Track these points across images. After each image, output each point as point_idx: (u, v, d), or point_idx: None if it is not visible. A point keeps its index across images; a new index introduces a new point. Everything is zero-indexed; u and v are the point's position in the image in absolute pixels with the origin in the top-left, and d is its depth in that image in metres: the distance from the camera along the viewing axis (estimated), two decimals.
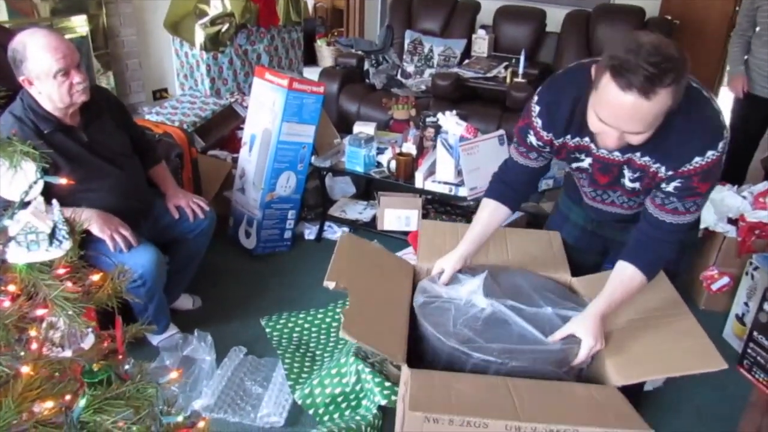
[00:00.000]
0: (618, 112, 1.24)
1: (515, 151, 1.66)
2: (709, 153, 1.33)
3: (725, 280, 2.48)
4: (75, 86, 1.88)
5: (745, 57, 3.13)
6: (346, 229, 3.13)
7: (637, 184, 1.49)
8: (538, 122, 1.52)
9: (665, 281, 1.66)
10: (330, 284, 1.57)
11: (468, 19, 4.51)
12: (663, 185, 1.40)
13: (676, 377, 2.16)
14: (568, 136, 1.51)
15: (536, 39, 4.36)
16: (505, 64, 4.19)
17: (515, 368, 1.44)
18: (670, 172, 1.38)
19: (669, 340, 1.50)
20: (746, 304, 2.35)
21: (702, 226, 2.47)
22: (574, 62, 1.53)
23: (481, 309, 1.60)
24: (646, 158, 1.41)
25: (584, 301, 1.64)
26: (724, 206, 2.52)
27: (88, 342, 0.97)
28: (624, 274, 1.47)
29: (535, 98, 1.53)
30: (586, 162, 1.55)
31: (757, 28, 3.05)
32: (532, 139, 1.56)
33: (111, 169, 2.06)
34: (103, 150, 2.06)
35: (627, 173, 1.48)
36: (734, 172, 3.23)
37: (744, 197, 2.54)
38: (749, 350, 2.22)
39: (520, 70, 3.99)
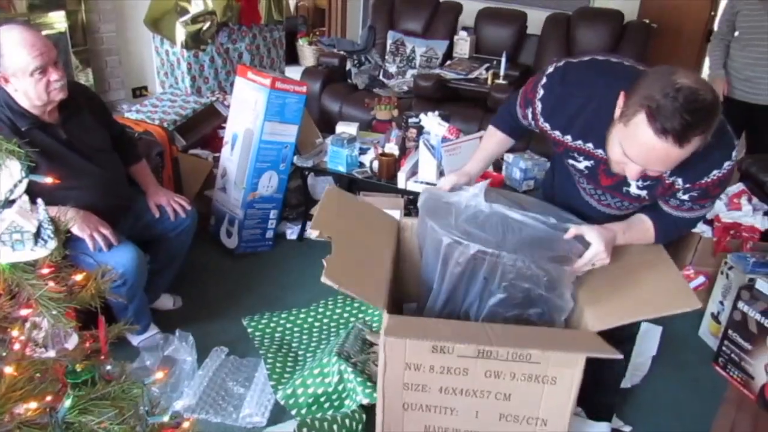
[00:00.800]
0: (648, 154, 1.23)
1: (517, 105, 1.62)
2: (726, 164, 1.33)
3: (701, 279, 2.53)
4: (52, 84, 1.85)
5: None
6: None
7: (644, 192, 1.46)
8: (539, 106, 1.49)
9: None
10: (314, 233, 1.56)
11: (450, 20, 4.53)
12: (679, 194, 1.40)
13: (654, 374, 2.21)
14: (568, 137, 1.46)
15: (517, 41, 4.40)
16: (487, 65, 4.23)
17: (514, 264, 1.42)
18: (687, 185, 1.37)
19: (644, 284, 1.48)
20: (721, 302, 2.40)
21: None
22: (592, 55, 1.47)
23: (481, 210, 1.55)
24: (663, 171, 1.37)
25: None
26: None
27: (72, 342, 0.96)
28: (643, 220, 1.50)
29: (544, 80, 1.47)
30: (583, 164, 1.50)
31: (736, 33, 3.11)
32: (529, 113, 1.56)
33: (90, 167, 2.04)
34: (83, 147, 2.03)
35: (635, 181, 1.44)
36: None
37: (719, 198, 2.59)
38: (724, 348, 2.26)
39: (502, 72, 4.02)
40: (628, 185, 1.46)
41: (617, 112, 1.27)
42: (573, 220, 1.55)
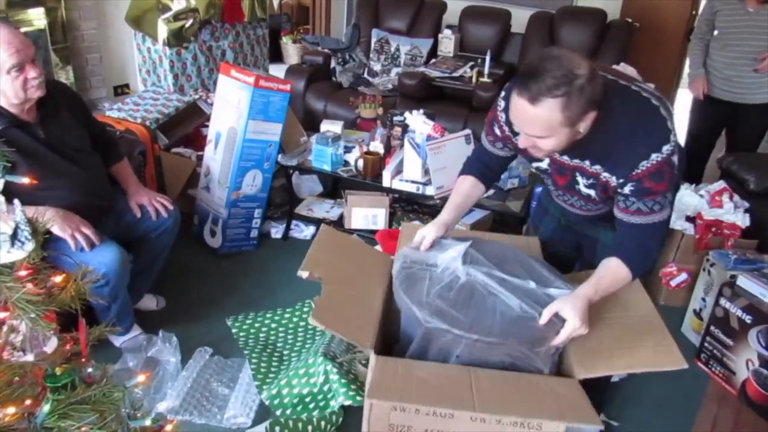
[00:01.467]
0: (514, 113, 1.36)
1: (485, 139, 1.71)
2: (654, 156, 1.36)
3: (684, 276, 2.56)
4: (30, 81, 1.82)
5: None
6: (312, 227, 3.11)
7: (592, 192, 1.52)
8: (502, 117, 1.57)
9: (638, 285, 1.67)
10: (303, 274, 1.57)
11: (434, 18, 4.54)
12: (621, 190, 1.44)
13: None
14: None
15: (501, 39, 4.41)
16: (471, 63, 4.23)
17: (487, 344, 1.42)
18: (621, 180, 1.41)
19: (633, 337, 1.52)
20: (703, 299, 2.43)
21: None
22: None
23: (457, 278, 1.55)
24: (597, 167, 1.45)
25: (570, 282, 1.62)
26: (682, 204, 2.60)
27: (51, 345, 0.94)
28: (609, 263, 1.48)
29: (503, 93, 1.56)
30: (545, 162, 1.58)
31: (716, 32, 3.15)
32: (497, 130, 1.63)
33: (70, 166, 2.01)
34: (62, 146, 2.00)
35: (581, 180, 1.52)
36: (692, 172, 3.33)
37: (701, 196, 2.62)
38: (706, 344, 2.29)
39: (486, 70, 4.03)
40: (578, 183, 1.53)
41: None
42: (553, 281, 1.59)
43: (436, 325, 1.43)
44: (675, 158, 1.38)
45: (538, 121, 1.30)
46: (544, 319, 1.44)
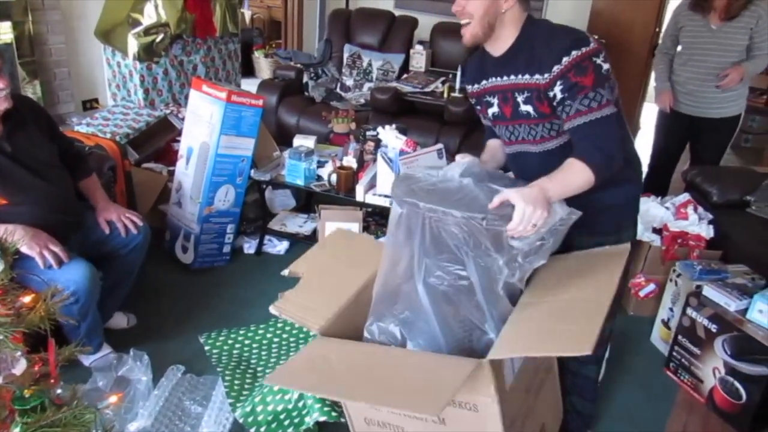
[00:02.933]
0: None
1: (481, 118, 1.82)
2: (574, 52, 1.44)
3: (651, 286, 2.62)
4: None
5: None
6: (286, 242, 3.10)
7: (530, 107, 1.57)
8: (463, 81, 1.77)
9: (621, 259, 1.54)
10: (285, 272, 1.56)
11: (406, 34, 4.58)
12: (550, 94, 1.49)
13: (608, 380, 2.26)
14: (484, 81, 1.66)
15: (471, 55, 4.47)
16: (443, 79, 4.28)
17: (442, 215, 1.39)
18: (546, 76, 1.48)
19: (554, 320, 1.39)
20: (671, 309, 2.48)
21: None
22: None
23: (446, 181, 1.53)
24: (526, 76, 1.52)
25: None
26: (648, 216, 2.66)
27: (20, 367, 0.92)
28: (566, 163, 1.49)
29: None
30: (495, 103, 1.66)
31: (679, 48, 3.24)
32: (472, 101, 1.77)
33: (37, 181, 1.98)
34: (28, 161, 1.97)
35: (519, 97, 1.58)
36: (658, 184, 3.41)
37: (667, 208, 2.69)
38: (674, 353, 2.33)
39: (457, 85, 4.08)
40: (518, 104, 1.59)
41: None
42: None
43: (402, 199, 1.44)
44: (599, 60, 1.45)
45: None
46: (493, 204, 1.39)
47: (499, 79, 1.61)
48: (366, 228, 3.03)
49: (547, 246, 1.44)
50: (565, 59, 1.44)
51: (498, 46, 1.58)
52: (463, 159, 1.67)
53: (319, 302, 1.53)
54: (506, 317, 1.46)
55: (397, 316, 1.50)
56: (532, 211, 1.35)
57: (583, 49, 1.44)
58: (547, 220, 1.39)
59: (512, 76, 1.57)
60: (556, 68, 1.45)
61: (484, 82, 1.66)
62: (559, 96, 1.48)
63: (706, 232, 2.59)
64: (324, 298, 1.56)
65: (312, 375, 1.33)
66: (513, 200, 1.37)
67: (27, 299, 0.93)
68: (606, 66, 1.46)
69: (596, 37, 4.54)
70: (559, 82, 1.46)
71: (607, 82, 1.47)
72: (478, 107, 1.77)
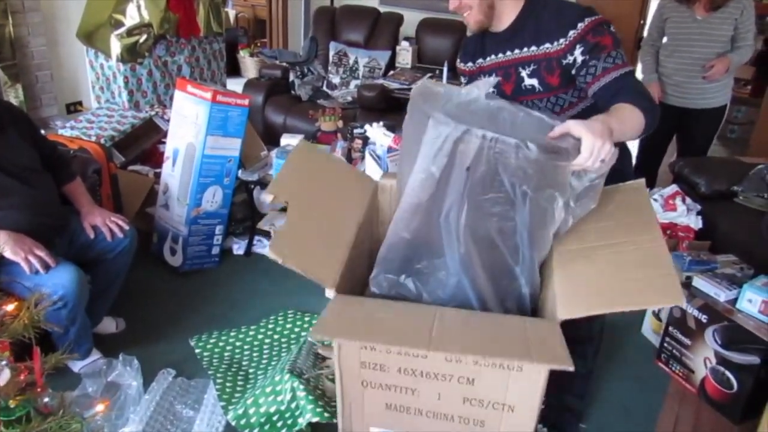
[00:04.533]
0: None
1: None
2: (587, 18, 1.46)
3: None
4: None
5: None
6: None
7: (535, 81, 1.55)
8: (459, 60, 1.74)
9: (643, 196, 1.47)
10: (268, 197, 1.39)
11: (391, 30, 4.57)
12: (569, 59, 1.47)
13: (600, 372, 2.26)
14: (480, 60, 1.65)
15: (458, 50, 4.46)
16: (429, 75, 4.27)
17: (504, 147, 1.17)
18: (561, 42, 1.47)
19: (626, 269, 1.30)
20: None
21: None
22: None
23: (476, 99, 1.37)
24: (533, 47, 1.52)
25: None
26: None
27: (4, 377, 0.90)
28: (616, 106, 1.40)
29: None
30: (495, 80, 1.63)
31: (665, 39, 3.25)
32: (463, 80, 1.76)
33: (18, 186, 1.96)
34: (8, 165, 1.96)
35: (523, 71, 1.56)
36: (646, 176, 3.39)
37: (655, 200, 2.69)
38: (665, 344, 2.34)
39: (444, 81, 4.07)
40: (522, 79, 1.57)
41: None
42: None
43: (450, 122, 1.20)
44: (611, 28, 1.47)
45: None
46: (555, 133, 1.25)
47: (501, 55, 1.60)
48: None
49: (599, 189, 1.30)
50: (580, 24, 1.45)
51: (500, 23, 1.56)
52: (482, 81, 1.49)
53: (317, 247, 1.36)
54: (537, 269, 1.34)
55: (413, 266, 1.35)
56: (601, 144, 1.22)
57: (595, 17, 1.46)
58: (616, 154, 1.25)
59: (516, 50, 1.56)
60: (572, 33, 1.45)
61: (480, 60, 1.65)
62: (580, 59, 1.46)
63: (695, 223, 2.60)
64: (322, 241, 1.38)
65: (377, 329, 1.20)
66: (580, 132, 1.23)
67: (10, 307, 0.91)
68: (617, 35, 1.48)
69: None
70: (578, 46, 1.46)
71: (622, 47, 1.48)
72: None
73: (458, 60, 1.77)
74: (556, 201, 1.24)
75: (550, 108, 1.57)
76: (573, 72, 1.49)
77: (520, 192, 1.21)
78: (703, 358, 2.17)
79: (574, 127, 1.22)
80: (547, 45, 1.49)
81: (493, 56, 1.61)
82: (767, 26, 5.73)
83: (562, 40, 1.47)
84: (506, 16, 1.54)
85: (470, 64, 1.69)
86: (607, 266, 1.30)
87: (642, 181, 1.49)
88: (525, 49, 1.54)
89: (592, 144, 1.20)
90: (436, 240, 1.29)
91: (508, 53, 1.57)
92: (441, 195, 1.26)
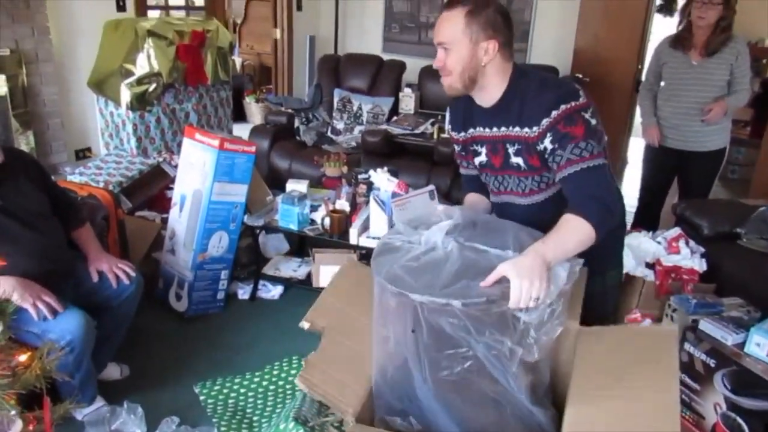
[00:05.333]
0: (437, 26, 1.53)
1: (460, 166, 1.81)
2: (563, 105, 1.44)
3: (647, 322, 2.61)
4: None
5: None
6: (280, 287, 3.08)
7: (520, 160, 1.57)
8: (449, 127, 1.75)
9: (671, 344, 1.40)
10: (305, 325, 1.45)
11: (394, 77, 4.67)
12: (540, 147, 1.49)
13: None
14: (471, 130, 1.66)
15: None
16: (432, 120, 4.35)
17: (439, 307, 1.24)
18: (536, 131, 1.48)
19: (635, 424, 1.28)
20: None
21: (623, 271, 2.60)
22: None
23: (431, 249, 1.40)
24: (516, 128, 1.53)
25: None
26: (641, 251, 2.67)
27: (16, 428, 0.91)
28: (563, 217, 1.42)
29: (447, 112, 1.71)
30: (483, 152, 1.66)
31: (662, 83, 3.31)
32: (456, 148, 1.76)
33: (27, 232, 1.99)
34: (19, 212, 1.99)
35: (509, 148, 1.58)
36: (648, 218, 3.44)
37: (659, 242, 2.70)
38: None
39: (447, 126, 4.14)
40: (509, 155, 1.59)
41: None
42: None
43: (389, 288, 1.28)
44: (587, 116, 1.45)
45: (446, 23, 1.48)
46: (487, 282, 1.27)
47: (488, 129, 1.60)
48: None
49: (558, 310, 1.32)
50: (554, 112, 1.44)
51: (486, 98, 1.57)
52: (446, 213, 1.54)
53: (343, 377, 1.40)
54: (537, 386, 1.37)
55: (406, 412, 1.39)
56: (529, 285, 1.24)
57: (572, 103, 1.44)
58: (549, 289, 1.28)
59: (503, 128, 1.56)
60: (545, 121, 1.45)
61: (471, 130, 1.66)
62: (549, 147, 1.47)
63: (699, 265, 2.60)
64: (348, 371, 1.42)
65: None
66: (508, 275, 1.26)
67: (23, 358, 0.92)
68: (594, 122, 1.46)
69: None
70: (548, 134, 1.46)
71: (597, 135, 1.46)
72: (463, 153, 1.75)
73: (448, 126, 1.80)
74: (504, 344, 1.27)
75: (536, 184, 1.60)
76: (545, 157, 1.51)
77: (469, 342, 1.26)
78: (713, 403, 2.14)
79: (503, 270, 1.27)
80: (526, 129, 1.50)
81: (480, 128, 1.63)
82: (763, 69, 5.84)
83: (535, 128, 1.48)
84: (491, 93, 1.55)
85: (462, 133, 1.70)
86: (617, 419, 1.28)
87: (674, 329, 1.48)
88: (510, 128, 1.55)
89: (519, 287, 1.24)
90: (416, 393, 1.35)
91: (494, 129, 1.59)
92: (396, 348, 1.34)
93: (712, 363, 2.14)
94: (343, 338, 1.47)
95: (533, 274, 1.25)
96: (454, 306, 1.21)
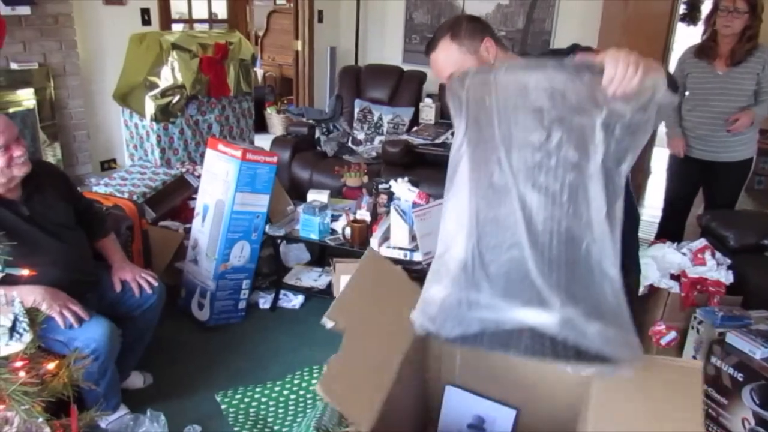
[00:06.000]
0: (432, 72, 1.64)
1: None
2: None
3: (672, 334, 2.57)
4: (15, 159, 1.90)
5: None
6: (301, 297, 3.10)
7: None
8: None
9: (696, 381, 1.30)
10: (329, 324, 1.41)
11: (414, 88, 4.68)
12: None
13: None
14: None
15: None
16: (452, 130, 4.33)
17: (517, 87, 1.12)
18: None
19: None
20: (694, 357, 2.43)
21: (647, 282, 2.57)
22: None
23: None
24: None
25: None
26: (666, 263, 2.64)
27: None
28: None
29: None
30: None
31: (687, 93, 3.28)
32: None
33: (53, 242, 2.03)
34: (45, 223, 2.03)
35: None
36: (673, 230, 3.39)
37: (684, 254, 2.66)
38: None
39: None
40: None
41: None
42: None
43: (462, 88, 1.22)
44: None
45: (442, 61, 1.57)
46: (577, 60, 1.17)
47: None
48: None
49: (651, 120, 1.13)
50: None
51: None
52: None
53: (361, 387, 1.37)
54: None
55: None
56: (625, 67, 1.07)
57: None
58: (654, 75, 1.10)
59: None
60: None
61: None
62: None
63: (725, 277, 2.55)
64: (366, 380, 1.40)
65: None
66: (599, 57, 1.11)
67: (51, 366, 0.93)
68: None
69: None
70: None
71: None
72: None
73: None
74: (592, 119, 1.09)
75: None
76: None
77: (552, 119, 1.09)
78: (741, 418, 2.10)
79: (596, 56, 1.13)
80: None
81: None
82: None
83: None
84: None
85: None
86: None
87: (699, 364, 1.36)
88: None
89: (616, 57, 1.07)
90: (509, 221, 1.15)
91: None
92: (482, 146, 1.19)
93: (739, 377, 2.09)
94: (363, 341, 1.45)
95: (635, 61, 1.09)
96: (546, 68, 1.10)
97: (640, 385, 1.30)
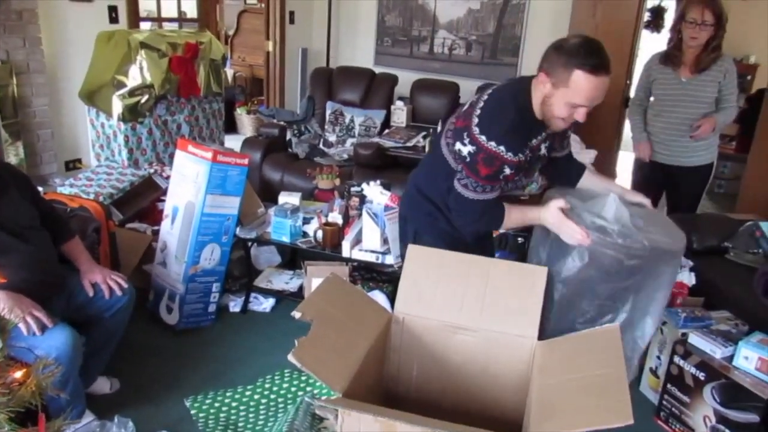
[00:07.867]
0: (595, 93, 1.76)
1: (489, 194, 1.91)
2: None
3: None
4: None
5: None
6: (272, 300, 3.08)
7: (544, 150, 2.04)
8: (510, 155, 1.82)
9: (615, 340, 1.64)
10: (297, 314, 1.56)
11: (386, 90, 4.69)
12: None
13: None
14: (533, 141, 1.92)
15: (451, 109, 4.57)
16: (424, 133, 4.37)
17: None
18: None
19: (591, 396, 1.51)
20: (658, 357, 2.49)
21: None
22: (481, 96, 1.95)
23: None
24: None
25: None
26: None
27: None
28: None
29: (492, 144, 1.81)
30: (543, 150, 2.02)
31: (652, 99, 3.36)
32: (506, 171, 1.85)
33: (18, 244, 1.98)
34: (8, 224, 1.98)
35: (543, 148, 2.02)
36: None
37: None
38: (664, 402, 2.33)
39: (505, 156, 4.15)
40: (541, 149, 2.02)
41: (546, 87, 1.78)
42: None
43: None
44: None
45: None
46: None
47: (542, 134, 1.95)
48: (352, 282, 3.02)
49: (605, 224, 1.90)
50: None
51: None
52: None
53: (332, 358, 1.55)
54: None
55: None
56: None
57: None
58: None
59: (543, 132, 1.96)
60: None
61: (533, 141, 1.93)
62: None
63: (688, 279, 2.62)
64: (336, 354, 1.57)
65: None
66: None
67: (18, 374, 0.91)
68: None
69: None
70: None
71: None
72: (510, 171, 1.88)
73: (508, 155, 1.82)
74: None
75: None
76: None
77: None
78: (703, 416, 2.16)
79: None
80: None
81: (538, 136, 1.94)
82: (748, 85, 5.93)
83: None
84: None
85: (526, 152, 1.90)
86: (571, 394, 1.53)
87: (616, 326, 1.70)
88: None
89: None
90: None
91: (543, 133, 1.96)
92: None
93: (701, 376, 2.16)
94: (330, 330, 1.62)
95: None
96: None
97: (572, 346, 1.69)
